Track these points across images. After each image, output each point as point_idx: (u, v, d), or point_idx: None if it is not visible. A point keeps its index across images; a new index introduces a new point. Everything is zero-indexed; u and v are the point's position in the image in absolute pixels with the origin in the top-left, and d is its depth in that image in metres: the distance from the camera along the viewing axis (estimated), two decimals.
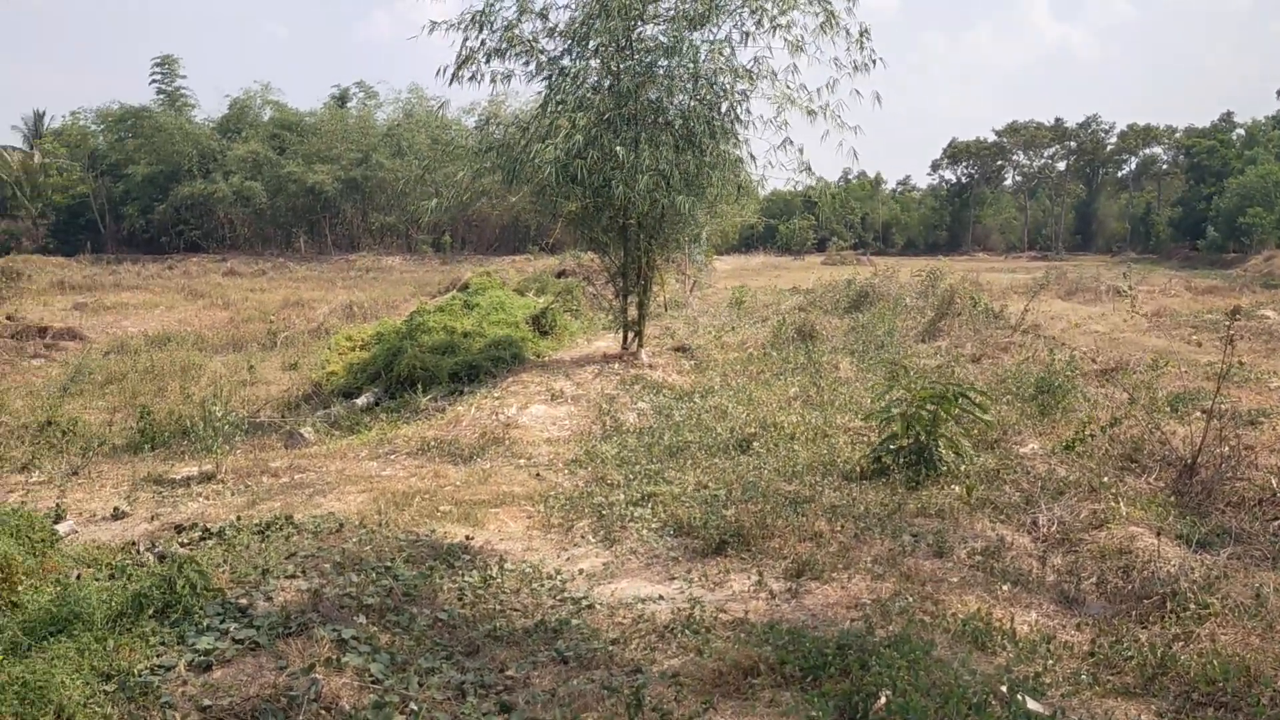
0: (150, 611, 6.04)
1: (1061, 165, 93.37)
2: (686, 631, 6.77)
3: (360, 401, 17.25)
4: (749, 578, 7.95)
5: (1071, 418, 12.68)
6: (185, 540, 8.78)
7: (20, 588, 6.94)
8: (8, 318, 29.93)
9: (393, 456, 12.23)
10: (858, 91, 17.02)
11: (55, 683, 4.61)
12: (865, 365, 17.84)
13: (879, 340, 20.52)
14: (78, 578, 7.67)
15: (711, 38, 17.41)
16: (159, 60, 71.95)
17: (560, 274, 37.28)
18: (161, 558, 8.41)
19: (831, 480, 10.50)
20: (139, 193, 67.13)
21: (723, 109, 17.75)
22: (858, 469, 10.83)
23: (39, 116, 77.06)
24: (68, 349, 26.13)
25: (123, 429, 16.36)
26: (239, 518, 9.25)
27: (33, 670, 4.73)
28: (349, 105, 76.22)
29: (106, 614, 5.92)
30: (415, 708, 5.44)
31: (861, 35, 16.68)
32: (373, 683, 5.64)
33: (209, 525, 9.13)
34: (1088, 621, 7.13)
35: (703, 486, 10.47)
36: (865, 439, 12.05)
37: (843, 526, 8.94)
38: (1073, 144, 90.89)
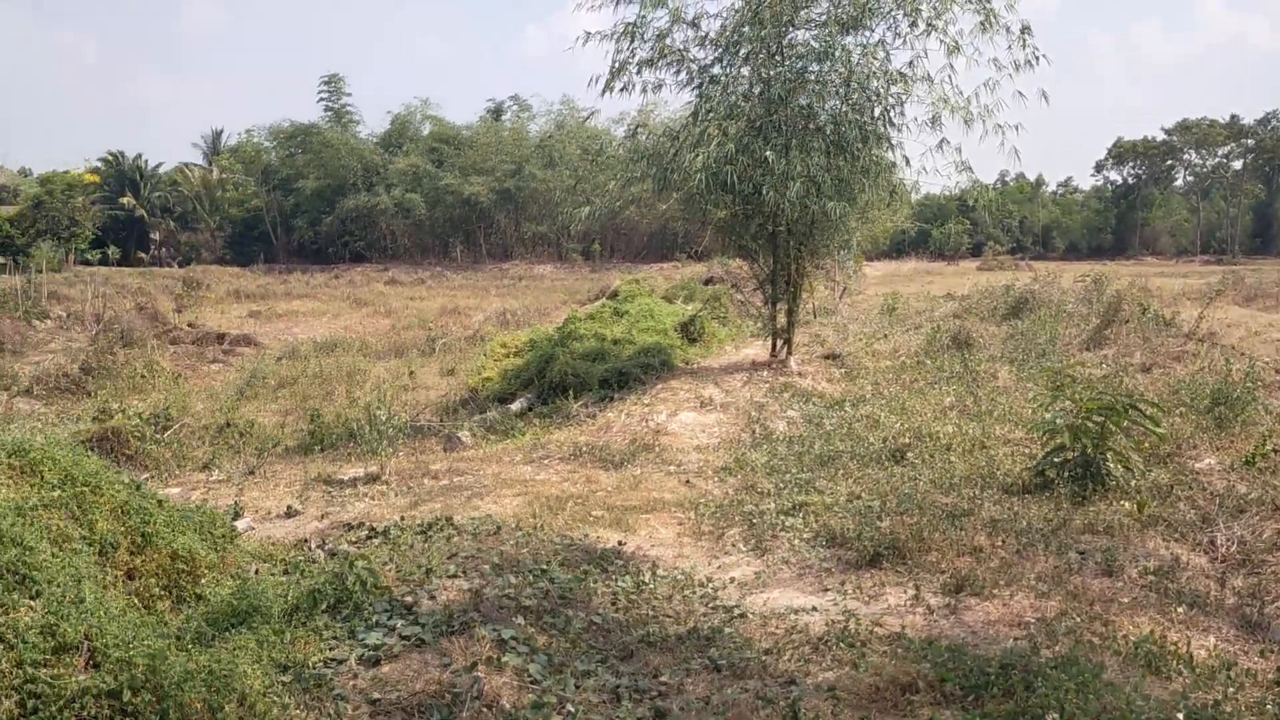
0: (323, 607, 6.35)
1: (1238, 164, 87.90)
2: (841, 644, 6.67)
3: (514, 406, 17.67)
4: (905, 592, 7.77)
5: (1252, 431, 11.89)
6: (353, 539, 9.17)
7: (203, 581, 7.38)
8: (189, 324, 31.98)
9: (546, 461, 12.49)
10: (1020, 92, 16.44)
11: (238, 672, 4.89)
12: (1025, 374, 17.20)
13: (1040, 348, 19.75)
14: (255, 573, 8.13)
15: (864, 42, 17.17)
16: (326, 79, 75.61)
17: (708, 281, 37.28)
18: (331, 555, 8.83)
19: (991, 493, 10.16)
20: (308, 206, 70.69)
21: (875, 113, 17.46)
22: (1019, 482, 10.45)
23: (217, 134, 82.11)
24: (243, 354, 27.71)
25: (294, 431, 17.24)
26: (402, 518, 9.61)
27: (218, 659, 5.02)
28: (503, 118, 78.31)
29: (283, 608, 6.25)
30: (572, 709, 5.53)
31: (1023, 33, 16.14)
32: (531, 683, 5.77)
33: (374, 524, 9.52)
34: (1272, 648, 6.69)
35: (855, 497, 10.30)
36: (1027, 451, 11.62)
37: (1004, 541, 8.64)
38: (1250, 141, 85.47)
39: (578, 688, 5.85)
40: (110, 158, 73.16)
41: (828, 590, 7.97)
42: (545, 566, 7.80)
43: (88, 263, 59.76)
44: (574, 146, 69.96)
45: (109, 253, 63.75)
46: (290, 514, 10.60)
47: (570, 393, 17.18)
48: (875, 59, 17.06)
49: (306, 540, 9.37)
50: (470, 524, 9.14)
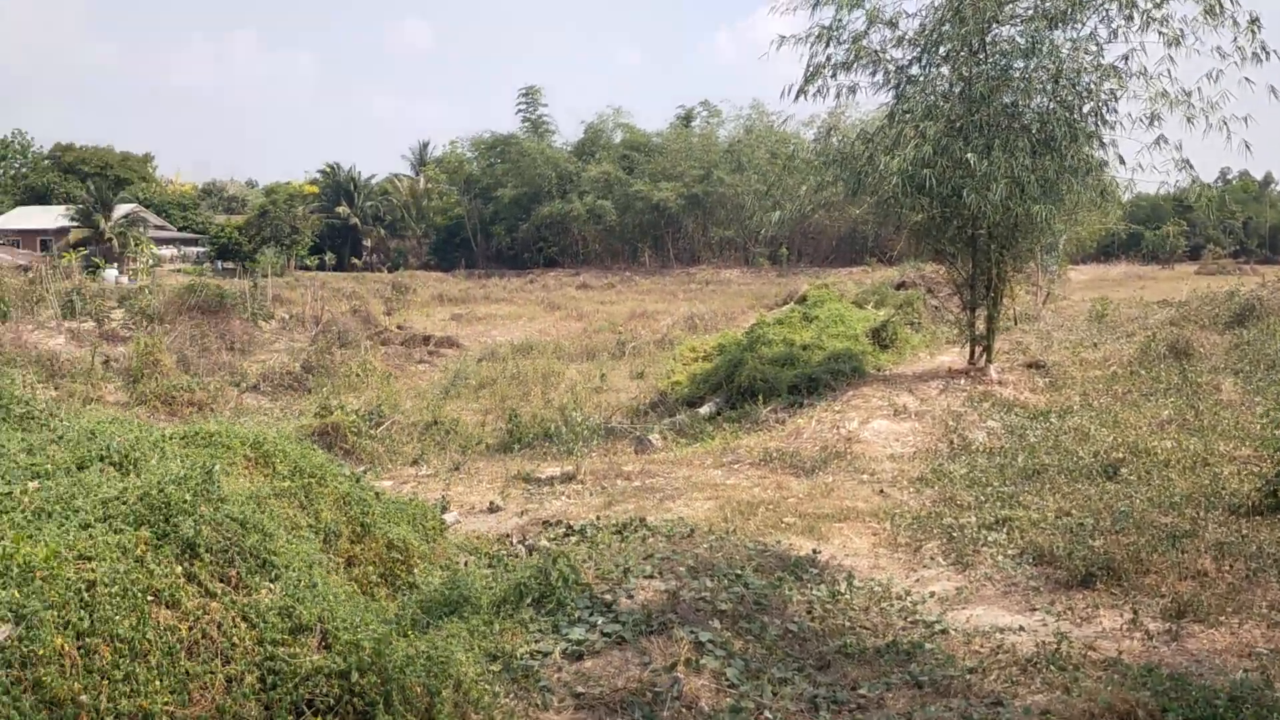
0: (528, 600, 6.58)
1: None
2: (1051, 667, 6.39)
3: (703, 410, 17.78)
4: (1121, 615, 7.36)
5: None
6: (551, 536, 9.46)
7: (415, 570, 7.78)
8: (398, 327, 33.78)
9: (736, 465, 12.50)
10: (1248, 79, 15.21)
11: (454, 659, 5.13)
12: (1253, 387, 15.96)
13: (1269, 359, 18.27)
14: (465, 564, 8.51)
15: (1074, 36, 16.37)
16: (524, 91, 78.27)
17: (900, 285, 36.36)
18: (530, 550, 9.14)
19: (1216, 514, 9.48)
20: (505, 213, 73.38)
21: (1085, 110, 16.61)
22: (1248, 502, 9.70)
23: (424, 146, 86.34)
24: (446, 355, 29.04)
25: (493, 430, 17.94)
26: (598, 518, 9.83)
27: (434, 646, 5.29)
28: (693, 124, 78.89)
29: (490, 600, 6.51)
30: (770, 716, 5.53)
31: (1252, 25, 14.99)
32: (729, 686, 5.80)
33: (571, 522, 9.78)
34: None
35: (1064, 514, 9.82)
36: (1256, 469, 10.78)
37: (1232, 566, 8.05)
38: None
39: (775, 695, 5.83)
40: (328, 169, 78.18)
41: (1035, 610, 7.64)
42: (740, 571, 7.81)
43: (306, 268, 64.01)
44: (763, 151, 69.77)
45: (325, 258, 68.09)
46: (493, 509, 11.03)
47: (759, 398, 17.14)
48: (1086, 54, 16.23)
49: (508, 535, 9.73)
50: (664, 526, 9.26)
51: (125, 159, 79.18)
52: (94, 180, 64.83)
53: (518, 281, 61.76)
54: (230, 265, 61.11)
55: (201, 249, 68.20)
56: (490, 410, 20.66)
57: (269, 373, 22.23)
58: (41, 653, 3.82)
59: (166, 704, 4.07)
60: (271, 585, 4.94)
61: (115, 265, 53.00)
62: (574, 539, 9.26)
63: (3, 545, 4.14)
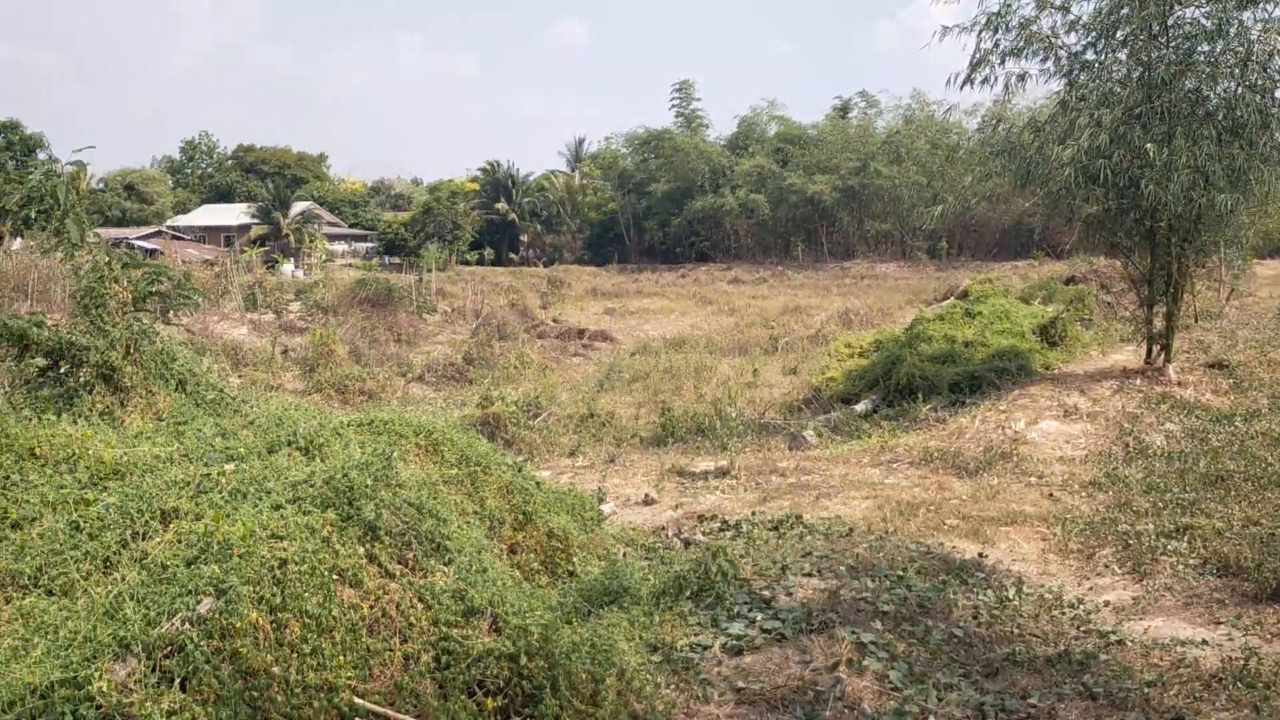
0: (688, 593, 6.61)
1: None
2: (1239, 684, 6.02)
3: (859, 408, 17.48)
4: None
5: None
6: (706, 530, 9.49)
7: (574, 559, 7.93)
8: (554, 320, 34.50)
9: (894, 465, 12.24)
10: None
11: (617, 647, 5.22)
12: None
13: None
14: (622, 555, 8.63)
15: (1265, 17, 15.30)
16: (677, 86, 78.48)
17: (1069, 280, 34.75)
18: (687, 544, 9.18)
19: None
20: (658, 208, 73.80)
21: (1277, 94, 15.50)
22: None
23: (579, 143, 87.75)
24: (600, 349, 29.49)
25: (646, 423, 18.12)
26: (754, 513, 9.80)
27: (597, 634, 5.39)
28: (850, 115, 77.48)
29: (650, 591, 6.58)
30: None
31: None
32: (892, 689, 5.69)
33: (726, 517, 9.79)
34: None
35: (1252, 523, 9.22)
36: None
37: None
38: None
39: (940, 700, 5.69)
40: (488, 167, 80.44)
41: (1220, 623, 7.21)
42: (901, 573, 7.65)
43: (466, 262, 66.01)
44: (923, 142, 68.06)
45: (484, 253, 70.07)
46: (648, 501, 11.14)
47: (918, 396, 16.72)
48: (1278, 35, 15.15)
49: (664, 528, 9.81)
50: (821, 524, 9.16)
51: (301, 159, 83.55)
52: (273, 179, 68.65)
53: (670, 276, 62.06)
54: (396, 260, 63.64)
55: (370, 245, 71.26)
56: (643, 403, 20.86)
57: (433, 363, 23.07)
58: (239, 625, 4.08)
59: (349, 678, 4.29)
60: (445, 569, 5.13)
61: (292, 260, 55.93)
62: (729, 534, 9.27)
63: (204, 524, 4.45)
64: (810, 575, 7.40)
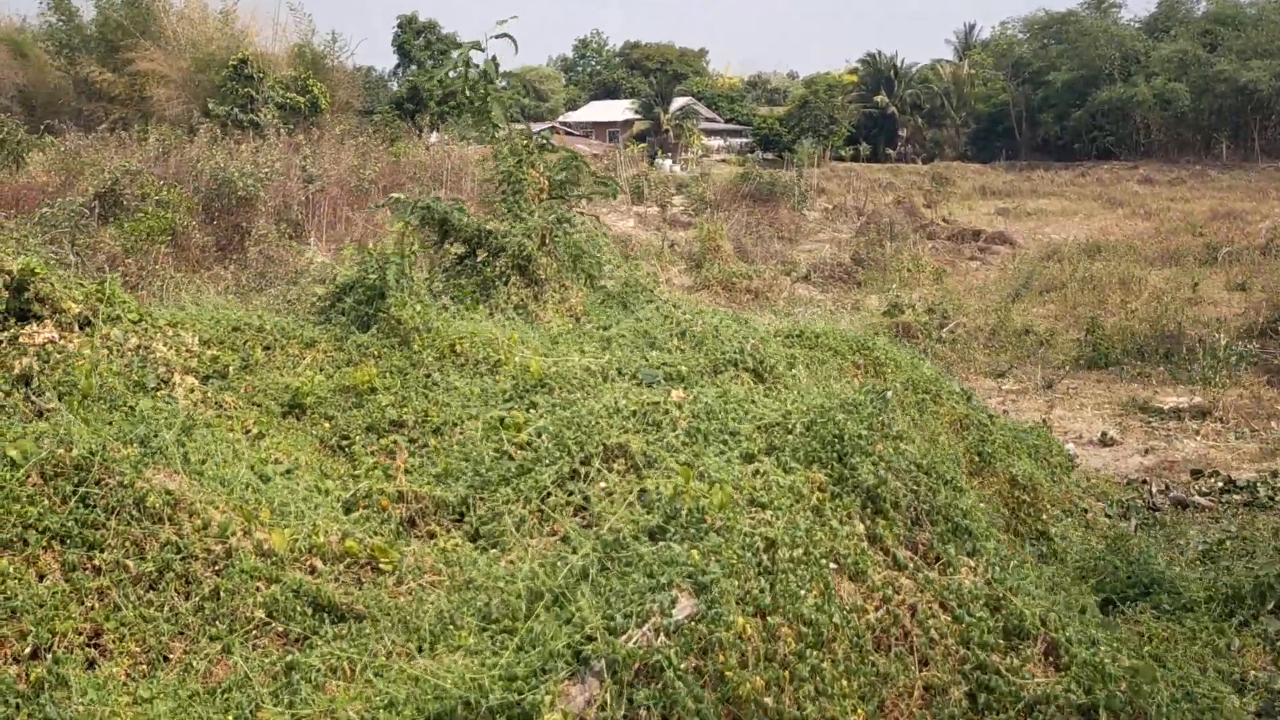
0: (1271, 604, 4.79)
1: None
2: None
3: None
4: None
5: None
6: (1204, 489, 7.54)
7: (1045, 516, 6.39)
8: (944, 220, 31.91)
9: None
10: None
11: (1226, 703, 3.62)
12: None
13: None
14: (1086, 513, 6.95)
15: None
16: None
17: None
18: (1181, 505, 7.32)
19: None
20: (1056, 99, 66.99)
21: None
22: None
23: (970, 29, 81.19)
24: (999, 253, 26.75)
25: (1067, 340, 15.81)
26: (1265, 473, 7.65)
27: (1189, 677, 3.79)
28: None
29: (1207, 592, 4.80)
30: None
31: None
32: None
33: (1229, 474, 7.75)
34: None
35: None
36: None
37: None
38: None
39: None
40: (868, 58, 76.64)
41: None
42: None
43: (840, 158, 63.64)
44: None
45: (860, 149, 67.25)
46: (1106, 442, 9.25)
47: None
48: None
49: (1140, 480, 7.97)
50: None
51: (683, 55, 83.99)
52: (655, 76, 69.52)
53: (1067, 175, 56.24)
54: (770, 156, 62.60)
55: (745, 140, 70.65)
56: (1060, 317, 18.38)
57: (819, 263, 21.77)
58: (724, 637, 3.03)
59: (856, 711, 3.15)
60: (970, 561, 3.83)
61: (670, 156, 56.53)
62: (1238, 498, 7.27)
63: (672, 481, 3.42)
64: None
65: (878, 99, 72.15)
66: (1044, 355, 13.59)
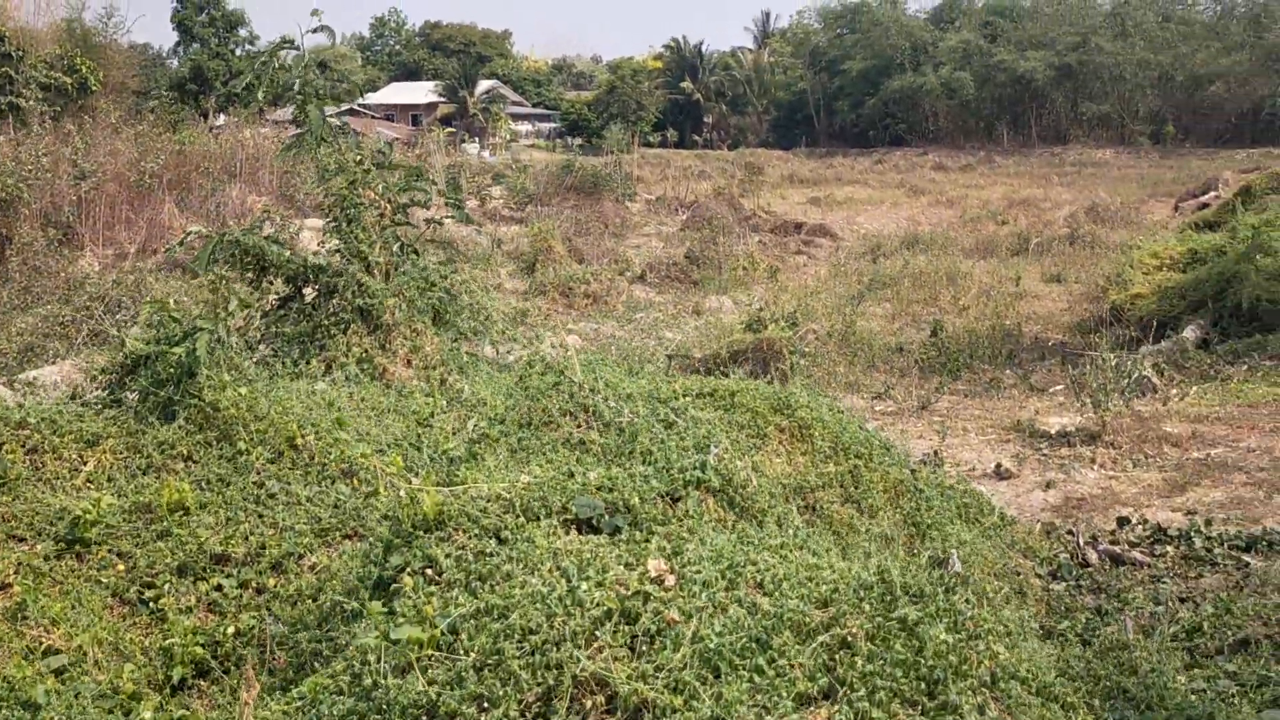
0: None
1: None
2: None
3: (1187, 335, 14.36)
4: None
5: None
6: (1134, 539, 6.96)
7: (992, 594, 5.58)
8: (764, 211, 31.67)
9: None
10: None
11: None
12: None
13: None
14: (1046, 587, 6.24)
15: None
16: None
17: None
18: (1116, 562, 6.70)
19: None
20: (851, 88, 68.96)
21: None
22: None
23: (766, 17, 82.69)
24: (822, 245, 26.66)
25: (906, 342, 15.52)
26: (1195, 518, 7.12)
27: None
28: None
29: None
30: None
31: None
32: None
33: (1153, 519, 7.20)
34: None
35: None
36: None
37: None
38: None
39: None
40: (673, 44, 76.67)
41: None
42: None
43: (649, 144, 63.39)
44: (1152, 15, 61.71)
45: (668, 135, 67.20)
46: (1002, 475, 8.66)
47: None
48: None
49: (1057, 526, 7.35)
50: None
51: (486, 36, 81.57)
52: (459, 57, 67.10)
53: (865, 161, 57.96)
54: (580, 141, 61.61)
55: (554, 125, 69.32)
56: (896, 316, 18.18)
57: (654, 262, 20.86)
58: None
59: None
60: None
61: (476, 140, 54.60)
62: (1172, 550, 6.72)
63: None
64: None
65: (683, 85, 72.34)
66: (902, 366, 13.09)
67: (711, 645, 2.44)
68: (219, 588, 3.95)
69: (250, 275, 6.48)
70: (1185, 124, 64.16)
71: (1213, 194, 31.97)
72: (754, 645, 2.47)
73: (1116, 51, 62.33)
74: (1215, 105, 62.44)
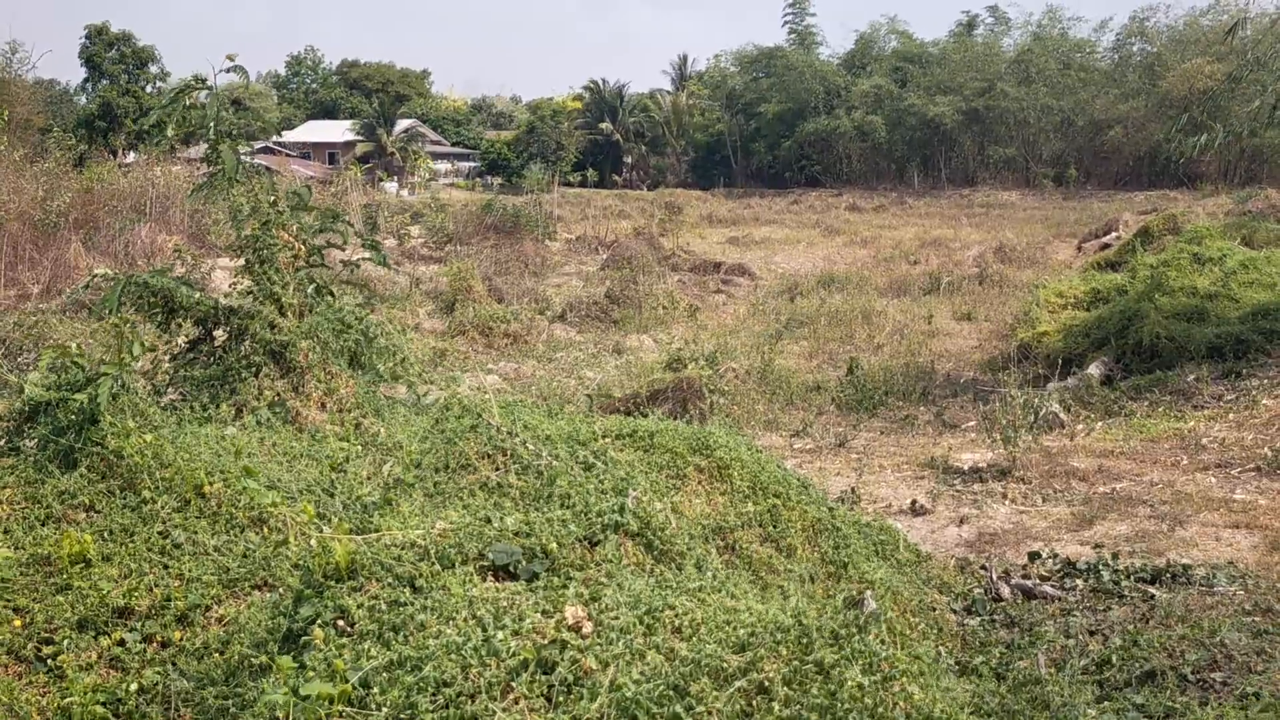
0: None
1: None
2: None
3: (1092, 372, 14.82)
4: None
5: None
6: (1046, 573, 7.13)
7: (910, 633, 5.66)
8: (683, 250, 31.99)
9: (1230, 470, 9.60)
10: None
11: None
12: None
13: None
14: (962, 622, 6.34)
15: None
16: (791, 0, 74.14)
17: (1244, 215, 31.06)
18: (1028, 596, 6.84)
19: None
20: (767, 130, 70.28)
21: None
22: None
23: (684, 60, 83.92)
24: (740, 284, 27.00)
25: (823, 379, 15.76)
26: (1101, 553, 7.31)
27: None
28: (975, 33, 72.68)
29: None
30: None
31: None
32: None
33: (1064, 554, 7.37)
34: None
35: None
36: None
37: None
38: None
39: None
40: (591, 85, 77.35)
41: None
42: None
43: (569, 184, 63.65)
44: (1054, 61, 64.15)
45: (588, 175, 67.56)
46: (918, 511, 8.81)
47: (1170, 361, 14.08)
48: None
49: (970, 562, 7.48)
50: (1219, 575, 6.71)
51: (405, 75, 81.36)
52: (377, 96, 66.73)
53: (782, 202, 59.01)
54: (499, 180, 61.61)
55: (473, 164, 69.21)
56: (813, 354, 18.47)
57: (575, 302, 20.88)
58: None
59: None
60: None
61: (395, 179, 54.23)
62: (1081, 584, 6.88)
63: None
64: None
65: (603, 126, 72.93)
66: (820, 403, 13.27)
67: (629, 694, 2.44)
68: (121, 643, 3.80)
69: (159, 317, 6.33)
70: (1086, 167, 66.73)
71: (1114, 235, 33.32)
72: (671, 693, 2.48)
73: (1021, 97, 64.57)
74: (1114, 149, 64.94)
